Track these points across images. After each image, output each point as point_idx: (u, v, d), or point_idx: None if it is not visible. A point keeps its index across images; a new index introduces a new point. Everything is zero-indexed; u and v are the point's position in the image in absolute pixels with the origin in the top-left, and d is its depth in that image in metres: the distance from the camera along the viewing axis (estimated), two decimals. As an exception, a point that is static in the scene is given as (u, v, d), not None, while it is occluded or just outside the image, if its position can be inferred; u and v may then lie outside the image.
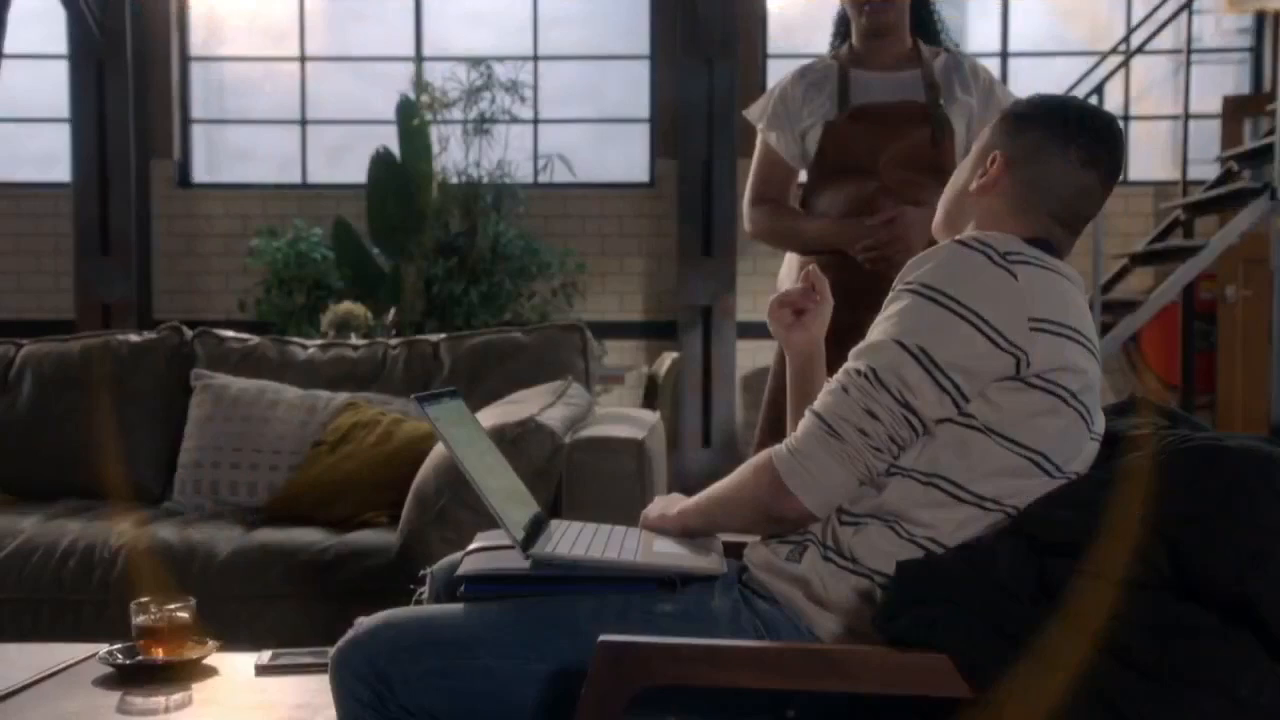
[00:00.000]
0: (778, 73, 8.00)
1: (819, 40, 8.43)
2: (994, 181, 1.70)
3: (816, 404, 1.61)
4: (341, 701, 1.58)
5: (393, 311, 5.84)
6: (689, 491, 1.99)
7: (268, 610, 2.84)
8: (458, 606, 1.65)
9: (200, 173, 8.18)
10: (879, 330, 1.60)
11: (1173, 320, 6.82)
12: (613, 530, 1.96)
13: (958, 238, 1.61)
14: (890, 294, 1.63)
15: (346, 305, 5.26)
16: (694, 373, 7.27)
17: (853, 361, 1.60)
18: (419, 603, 1.89)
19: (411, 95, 7.30)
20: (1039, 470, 1.57)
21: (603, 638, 1.49)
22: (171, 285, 7.97)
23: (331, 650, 1.60)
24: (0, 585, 2.90)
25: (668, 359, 5.38)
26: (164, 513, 3.26)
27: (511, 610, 1.60)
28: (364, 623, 1.61)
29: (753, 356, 7.64)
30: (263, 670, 2.05)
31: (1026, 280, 1.55)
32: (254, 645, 2.26)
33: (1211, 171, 7.39)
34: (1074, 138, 1.69)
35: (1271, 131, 5.98)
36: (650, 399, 5.19)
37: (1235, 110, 7.52)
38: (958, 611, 1.45)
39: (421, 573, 1.97)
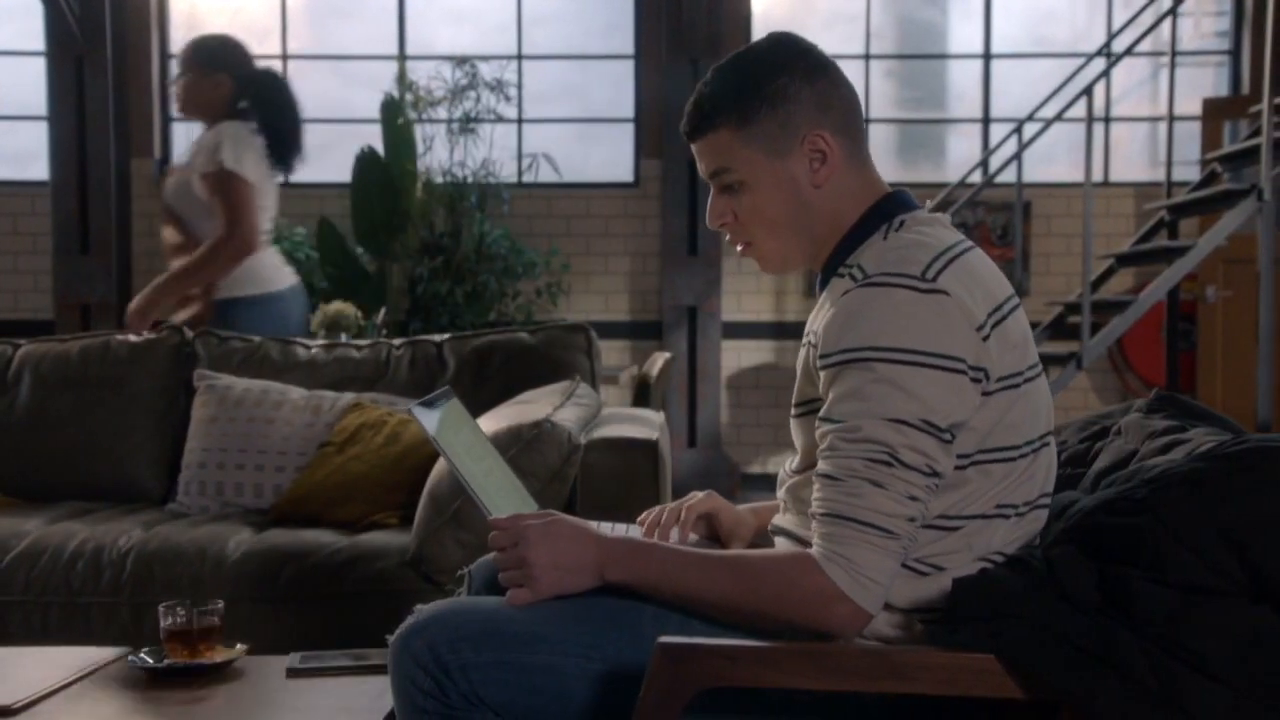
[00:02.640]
0: (761, 73, 8.02)
1: (803, 41, 8.46)
2: (831, 158, 1.63)
3: (844, 508, 1.48)
4: (400, 688, 1.56)
5: (383, 311, 5.82)
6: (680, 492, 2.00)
7: (280, 612, 2.81)
8: None
9: (179, 171, 8.11)
10: (851, 409, 1.49)
11: (1152, 320, 6.87)
12: (629, 529, 1.96)
13: (874, 279, 1.52)
14: (827, 363, 1.52)
15: (337, 305, 5.21)
16: (679, 373, 7.28)
17: (851, 449, 1.48)
18: None
19: (394, 93, 7.27)
20: (1019, 459, 1.57)
21: (661, 639, 1.48)
22: (152, 285, 7.89)
23: (391, 637, 1.58)
24: (7, 587, 2.86)
25: (659, 359, 5.37)
26: (169, 514, 3.24)
27: (576, 608, 1.59)
28: (425, 610, 1.59)
29: (738, 356, 7.66)
30: (294, 673, 2.04)
31: (954, 288, 1.51)
32: (267, 648, 2.25)
33: (1190, 173, 7.45)
34: (804, 56, 1.64)
35: (1256, 133, 6.03)
36: (642, 399, 5.17)
37: (1215, 112, 7.58)
38: (1021, 624, 1.44)
39: (460, 571, 1.96)
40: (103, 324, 7.39)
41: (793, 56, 1.64)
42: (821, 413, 1.54)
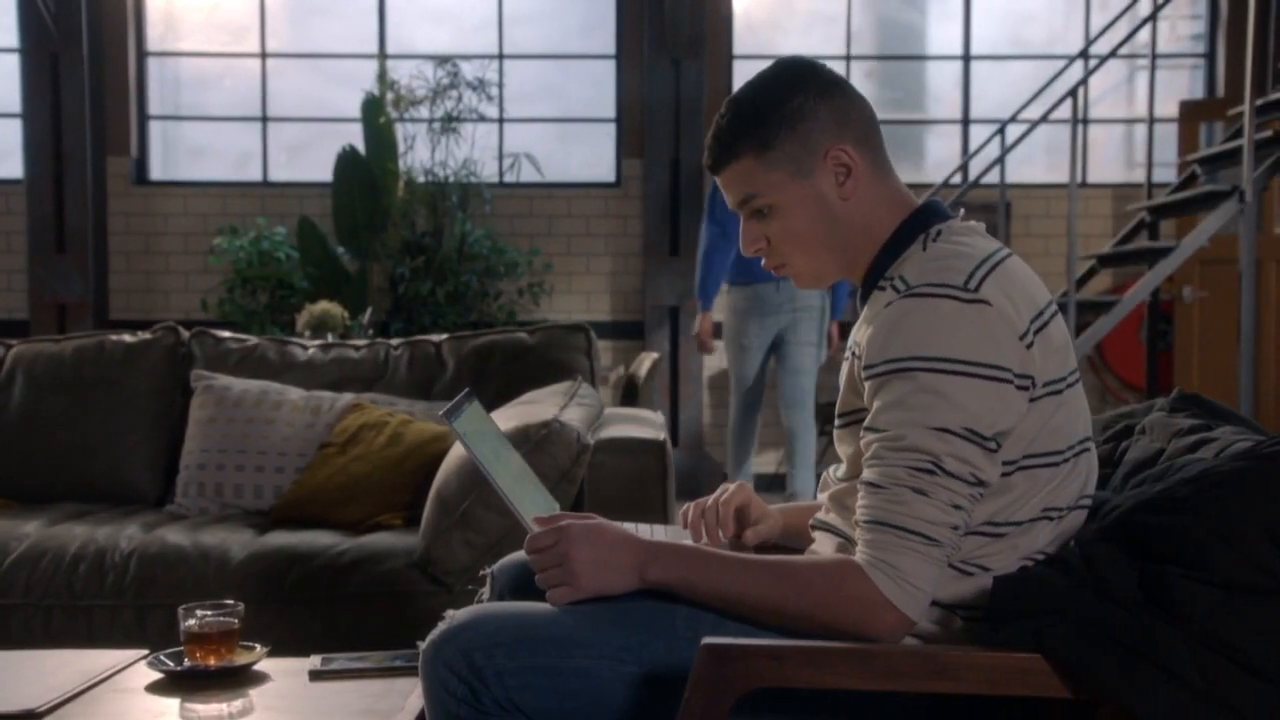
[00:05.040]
0: (744, 74, 8.03)
1: (783, 42, 8.53)
2: (856, 170, 1.63)
3: (888, 516, 1.48)
4: (433, 694, 1.55)
5: (369, 311, 5.79)
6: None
7: (286, 614, 2.79)
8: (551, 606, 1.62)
9: (156, 170, 8.05)
10: (895, 419, 1.49)
11: (1129, 321, 6.92)
12: (653, 530, 1.97)
13: (916, 290, 1.52)
14: (872, 373, 1.53)
15: (323, 305, 5.20)
16: (661, 373, 7.28)
17: (895, 458, 1.49)
18: (479, 603, 1.87)
19: (375, 92, 7.25)
20: (1063, 463, 1.58)
21: (705, 640, 1.47)
22: (128, 284, 7.83)
23: (423, 643, 1.57)
24: (8, 591, 2.83)
25: (647, 359, 5.38)
26: (168, 516, 3.21)
27: (609, 612, 1.58)
28: (457, 615, 1.58)
29: (720, 357, 7.65)
30: (317, 675, 2.03)
31: (996, 297, 1.51)
32: (274, 650, 2.23)
33: (1166, 174, 7.52)
34: (815, 75, 1.65)
35: (1234, 135, 6.09)
36: (630, 399, 5.18)
37: (1191, 114, 7.65)
38: (1064, 622, 1.45)
39: (482, 572, 1.95)
40: (79, 324, 7.34)
41: (804, 76, 1.65)
42: (866, 422, 1.55)
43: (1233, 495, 1.45)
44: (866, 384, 1.55)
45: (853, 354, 1.64)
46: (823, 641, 1.53)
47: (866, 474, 1.53)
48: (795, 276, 1.72)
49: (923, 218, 1.65)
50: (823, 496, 1.77)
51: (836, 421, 1.69)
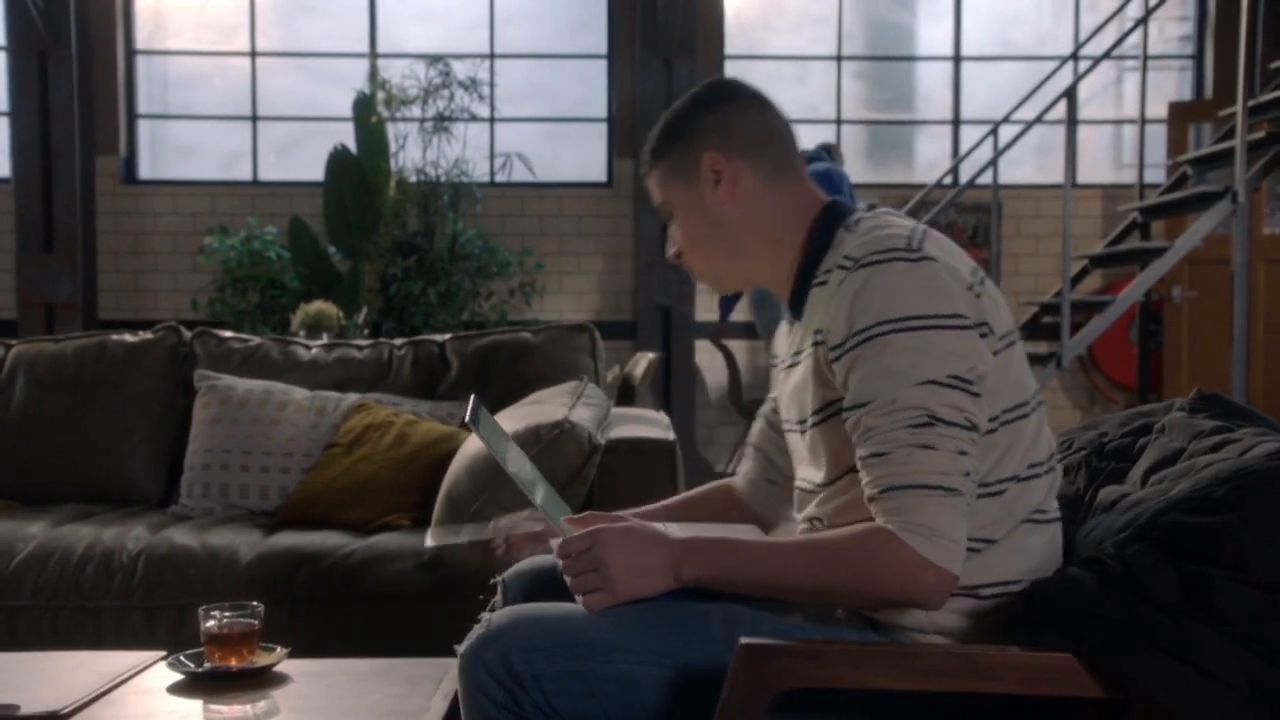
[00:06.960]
0: (735, 74, 8.04)
1: (774, 42, 8.52)
2: (730, 174, 1.71)
3: (901, 479, 1.49)
4: (472, 699, 1.55)
5: (364, 311, 5.77)
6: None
7: (295, 615, 2.76)
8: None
9: (145, 169, 8.01)
10: (880, 386, 1.51)
11: (1118, 320, 6.94)
12: (680, 528, 1.97)
13: (866, 260, 1.56)
14: (842, 350, 1.55)
15: (319, 305, 5.18)
16: (652, 372, 7.28)
17: (890, 421, 1.50)
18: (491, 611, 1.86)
19: (365, 91, 7.22)
20: (1032, 414, 1.62)
21: (743, 640, 1.48)
22: (117, 284, 7.79)
23: (461, 647, 1.57)
24: (16, 592, 2.81)
25: (643, 359, 5.38)
26: (173, 517, 3.19)
27: (646, 615, 1.58)
28: (495, 619, 1.58)
29: (711, 357, 7.66)
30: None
31: (939, 254, 1.57)
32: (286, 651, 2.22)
33: (1155, 175, 7.55)
34: (712, 88, 1.76)
35: (1225, 136, 6.12)
36: (626, 399, 5.17)
37: (1180, 115, 7.69)
38: (1103, 626, 1.45)
39: (493, 580, 1.94)
40: (67, 323, 7.30)
41: (703, 91, 1.78)
42: (848, 401, 1.56)
43: (1271, 494, 1.45)
44: (836, 365, 1.57)
45: (814, 344, 1.64)
46: (864, 642, 1.54)
47: (865, 449, 1.53)
48: (698, 278, 1.83)
49: (834, 214, 1.71)
50: (800, 517, 1.76)
51: (811, 421, 1.67)
